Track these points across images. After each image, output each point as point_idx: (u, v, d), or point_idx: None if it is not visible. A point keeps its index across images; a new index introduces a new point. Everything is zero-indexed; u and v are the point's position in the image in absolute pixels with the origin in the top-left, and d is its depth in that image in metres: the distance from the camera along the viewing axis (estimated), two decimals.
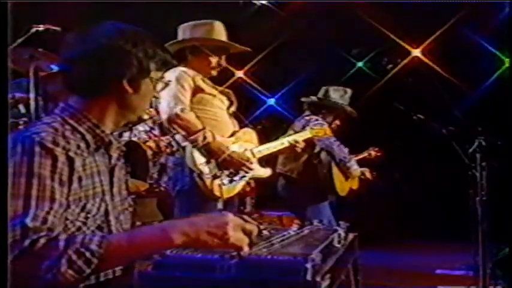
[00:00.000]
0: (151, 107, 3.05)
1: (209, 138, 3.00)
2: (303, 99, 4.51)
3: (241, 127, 3.35)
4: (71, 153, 1.51)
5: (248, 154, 3.21)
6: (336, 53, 6.84)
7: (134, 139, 3.96)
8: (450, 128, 3.82)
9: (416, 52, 6.93)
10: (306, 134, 3.63)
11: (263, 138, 3.44)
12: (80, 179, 1.52)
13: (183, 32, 3.25)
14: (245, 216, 1.50)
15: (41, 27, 3.83)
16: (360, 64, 7.16)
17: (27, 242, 1.34)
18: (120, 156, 1.72)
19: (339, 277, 1.61)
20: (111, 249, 1.38)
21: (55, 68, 4.08)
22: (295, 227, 1.86)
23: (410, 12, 6.10)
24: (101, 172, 1.61)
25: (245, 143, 3.26)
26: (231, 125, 3.26)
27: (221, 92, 3.28)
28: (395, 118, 4.86)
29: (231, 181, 3.10)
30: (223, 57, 3.26)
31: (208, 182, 3.00)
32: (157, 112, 3.17)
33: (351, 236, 1.91)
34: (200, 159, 3.01)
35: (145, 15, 5.43)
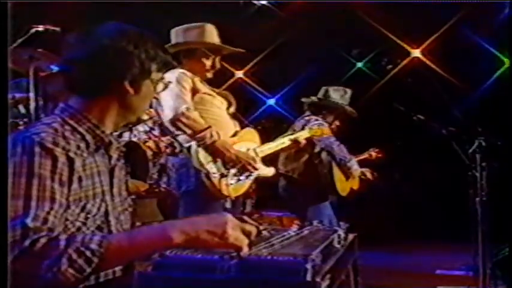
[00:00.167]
0: (150, 107, 3.06)
1: (215, 136, 3.01)
2: (303, 99, 4.51)
3: (242, 127, 3.35)
4: (71, 154, 1.51)
5: (252, 153, 3.23)
6: (335, 53, 6.85)
7: (134, 139, 3.96)
8: (450, 129, 3.81)
9: (416, 52, 6.93)
10: (304, 134, 3.65)
11: (263, 139, 3.45)
12: (80, 179, 1.52)
13: (176, 35, 3.25)
14: (245, 217, 1.50)
15: (41, 28, 3.83)
16: (359, 64, 7.17)
17: (27, 242, 1.34)
18: (120, 156, 1.72)
19: (339, 277, 1.61)
20: (112, 248, 1.38)
21: (55, 68, 4.08)
22: (295, 228, 1.86)
23: (410, 13, 6.11)
24: (101, 172, 1.61)
25: (247, 143, 3.27)
26: (232, 125, 3.27)
27: (219, 94, 3.29)
28: (395, 118, 4.87)
29: (238, 180, 3.12)
30: (218, 59, 3.25)
31: (216, 181, 3.00)
32: (157, 113, 3.17)
33: (350, 236, 1.91)
34: (207, 158, 3.01)
35: (145, 15, 5.43)
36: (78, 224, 1.52)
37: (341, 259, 1.66)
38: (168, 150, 3.81)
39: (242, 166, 3.10)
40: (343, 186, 4.49)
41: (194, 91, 3.12)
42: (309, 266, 1.31)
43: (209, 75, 3.25)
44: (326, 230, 1.94)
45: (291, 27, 6.61)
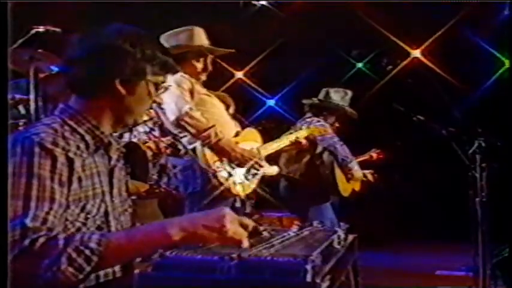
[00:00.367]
0: (151, 108, 3.06)
1: (220, 135, 3.03)
2: (304, 101, 4.52)
3: (242, 128, 3.36)
4: (71, 154, 1.51)
5: (256, 152, 3.25)
6: (335, 53, 6.85)
7: (134, 140, 3.96)
8: (450, 129, 3.81)
9: (416, 53, 6.93)
10: (303, 133, 3.71)
11: (264, 139, 3.46)
12: (79, 180, 1.53)
13: (166, 41, 3.26)
14: (243, 218, 1.50)
15: (41, 28, 3.83)
16: (359, 65, 7.17)
17: (27, 242, 1.35)
18: (120, 157, 1.72)
19: (339, 278, 1.61)
20: (111, 247, 1.38)
21: (55, 69, 4.08)
22: (295, 228, 1.85)
23: (410, 13, 6.11)
24: (101, 173, 1.61)
25: (250, 142, 3.29)
26: (233, 125, 3.28)
27: (216, 96, 3.30)
28: (395, 119, 4.87)
29: (245, 178, 3.13)
30: (210, 61, 3.25)
31: (223, 180, 3.01)
32: (157, 114, 3.17)
33: (350, 237, 1.91)
34: (213, 157, 3.02)
35: (145, 16, 5.43)
36: (78, 224, 1.52)
37: (341, 260, 1.66)
38: (168, 151, 3.80)
39: (247, 164, 3.12)
40: (345, 187, 4.49)
41: (194, 93, 3.13)
42: (309, 266, 1.31)
43: (203, 77, 3.25)
44: (326, 230, 1.94)
45: (291, 28, 6.61)
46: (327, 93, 4.47)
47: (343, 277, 1.71)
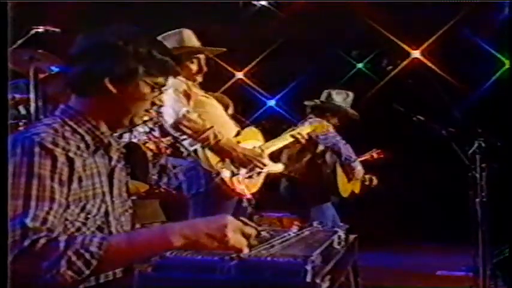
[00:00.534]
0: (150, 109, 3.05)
1: (219, 136, 3.01)
2: (306, 102, 4.52)
3: (242, 128, 3.36)
4: (71, 154, 1.51)
5: (258, 151, 3.23)
6: (335, 54, 6.85)
7: (134, 140, 3.96)
8: (450, 129, 3.81)
9: (416, 53, 6.93)
10: (306, 129, 3.69)
11: (265, 139, 3.45)
12: (80, 180, 1.52)
13: None
14: (244, 219, 1.50)
15: (41, 29, 3.84)
16: (359, 65, 7.17)
17: (27, 242, 1.34)
18: (121, 157, 1.72)
19: (339, 279, 1.61)
20: (111, 250, 1.38)
21: (55, 69, 4.08)
22: (295, 229, 1.85)
23: (410, 13, 6.11)
24: (101, 173, 1.61)
25: (252, 141, 3.27)
26: (233, 125, 3.28)
27: (215, 97, 3.30)
28: (395, 119, 4.86)
29: (250, 177, 3.13)
30: (204, 62, 3.24)
31: (228, 180, 3.01)
32: (158, 114, 3.17)
33: (351, 237, 1.91)
34: (215, 158, 3.02)
35: (145, 16, 5.43)
36: (78, 224, 1.52)
37: (341, 260, 1.66)
38: (168, 151, 3.81)
39: (250, 163, 3.11)
40: (345, 187, 4.49)
41: (191, 95, 3.11)
42: (308, 267, 1.31)
43: (199, 78, 3.24)
44: (326, 231, 1.94)
45: (291, 28, 6.61)
46: (329, 94, 4.48)
47: (343, 277, 1.71)
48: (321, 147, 4.29)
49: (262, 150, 3.27)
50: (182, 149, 3.19)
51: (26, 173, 1.43)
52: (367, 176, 4.74)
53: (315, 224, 2.01)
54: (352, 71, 7.20)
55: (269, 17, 6.57)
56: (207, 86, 3.33)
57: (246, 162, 3.10)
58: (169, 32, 3.23)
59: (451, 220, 5.65)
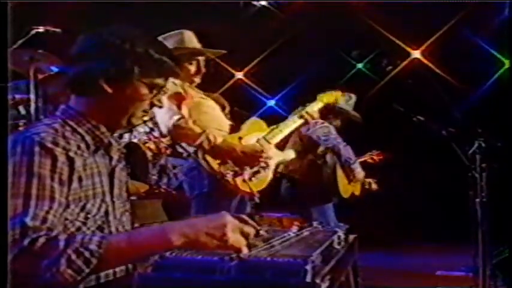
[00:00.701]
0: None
1: (214, 139, 2.97)
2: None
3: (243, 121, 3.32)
4: (71, 153, 1.51)
5: (262, 142, 3.18)
6: (335, 54, 6.85)
7: (134, 140, 3.96)
8: (450, 130, 3.81)
9: (416, 53, 6.94)
10: (317, 104, 3.51)
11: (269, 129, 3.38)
12: (80, 179, 1.53)
13: None
14: (244, 217, 1.50)
15: (41, 29, 3.84)
16: (359, 65, 7.17)
17: (26, 241, 1.35)
18: (121, 157, 1.72)
19: (339, 279, 1.61)
20: (111, 249, 1.38)
21: (55, 70, 4.08)
22: (295, 229, 1.85)
23: (410, 14, 6.11)
24: (101, 173, 1.61)
25: (256, 133, 3.22)
26: (231, 123, 3.25)
27: (211, 98, 3.26)
28: (395, 119, 4.86)
29: (255, 174, 3.07)
30: (202, 63, 3.21)
31: (231, 180, 2.98)
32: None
33: (350, 237, 1.91)
34: (216, 161, 2.99)
35: (145, 16, 5.44)
36: (78, 223, 1.52)
37: (341, 260, 1.66)
38: (168, 151, 3.80)
39: (252, 160, 3.05)
40: (346, 188, 4.50)
41: (187, 98, 3.08)
42: (308, 267, 1.31)
43: (197, 80, 3.21)
44: (326, 231, 1.94)
45: (291, 28, 6.61)
46: None
47: (343, 277, 1.71)
48: (321, 148, 4.30)
49: (268, 141, 3.20)
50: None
51: (26, 172, 1.43)
52: (367, 180, 4.76)
53: (314, 224, 2.01)
54: (352, 71, 7.20)
55: (269, 17, 6.57)
56: (207, 87, 3.33)
57: (248, 160, 3.04)
58: (171, 33, 3.21)
59: (451, 220, 5.66)
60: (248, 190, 3.01)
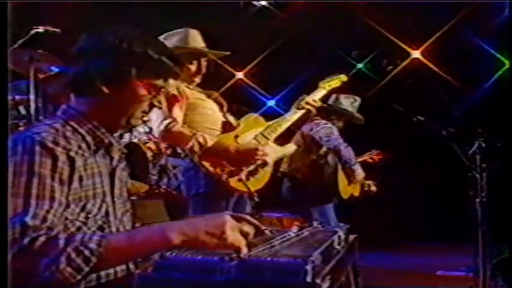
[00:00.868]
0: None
1: (205, 142, 2.93)
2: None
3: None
4: (72, 153, 1.51)
5: (260, 138, 3.14)
6: (335, 54, 6.85)
7: (134, 140, 3.96)
8: (450, 130, 3.81)
9: (416, 53, 6.93)
10: (320, 92, 3.39)
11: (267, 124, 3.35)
12: (80, 179, 1.53)
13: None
14: (246, 216, 1.50)
15: (41, 29, 3.84)
16: (359, 65, 7.16)
17: (26, 240, 1.35)
18: (122, 158, 1.72)
19: (339, 279, 1.60)
20: (110, 248, 1.38)
21: (55, 70, 4.08)
22: (295, 229, 1.85)
23: (410, 14, 6.11)
24: (102, 173, 1.61)
25: (253, 130, 3.17)
26: (228, 122, 3.22)
27: (209, 97, 3.22)
28: (395, 119, 4.86)
29: (251, 172, 3.01)
30: (204, 63, 3.20)
31: (226, 181, 2.95)
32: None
33: (351, 237, 1.91)
34: (209, 162, 2.97)
35: (145, 16, 5.43)
36: (78, 223, 1.52)
37: (341, 260, 1.65)
38: (168, 151, 3.80)
39: (247, 159, 2.99)
40: (345, 189, 4.51)
41: (181, 99, 3.05)
42: (309, 267, 1.30)
43: (197, 79, 3.18)
44: (326, 231, 1.93)
45: (291, 28, 6.61)
46: (337, 98, 4.52)
47: (343, 277, 1.71)
48: (323, 149, 4.32)
49: (266, 136, 3.15)
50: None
51: (27, 172, 1.43)
52: (366, 182, 4.77)
53: (315, 224, 2.01)
54: (352, 71, 7.19)
55: (269, 17, 6.57)
56: (207, 87, 3.32)
57: (243, 159, 2.98)
58: (175, 31, 3.19)
59: (451, 220, 5.65)
60: (245, 189, 2.97)
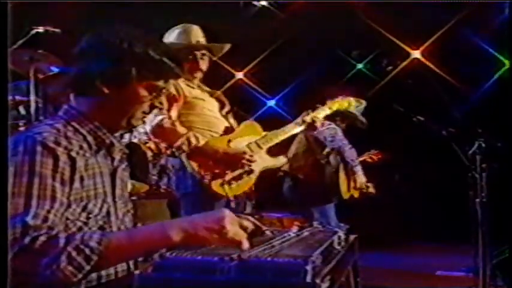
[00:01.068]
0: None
1: (195, 141, 2.93)
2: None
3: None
4: (73, 153, 1.51)
5: (253, 147, 3.14)
6: (335, 54, 6.85)
7: (134, 140, 3.96)
8: (450, 130, 3.81)
9: (416, 54, 6.93)
10: (325, 111, 3.43)
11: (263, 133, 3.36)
12: (81, 179, 1.53)
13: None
14: (248, 217, 1.50)
15: (41, 29, 3.84)
16: (359, 66, 7.17)
17: (27, 239, 1.35)
18: (123, 158, 1.72)
19: (339, 279, 1.60)
20: (111, 246, 1.38)
21: (55, 70, 4.08)
22: (295, 229, 1.85)
23: (410, 14, 6.11)
24: (103, 173, 1.62)
25: (248, 137, 3.18)
26: (227, 124, 3.21)
27: (211, 95, 3.22)
28: (395, 119, 4.87)
29: (236, 178, 3.02)
30: (205, 61, 3.19)
31: (208, 182, 2.95)
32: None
33: (351, 237, 1.91)
34: (196, 162, 2.96)
35: (145, 16, 5.43)
36: (79, 223, 1.53)
37: (341, 260, 1.65)
38: (168, 152, 3.80)
39: (234, 163, 3.00)
40: (346, 189, 4.51)
41: (180, 97, 3.05)
42: (309, 267, 1.30)
43: (198, 76, 3.19)
44: (326, 231, 1.93)
45: (291, 28, 6.61)
46: None
47: (343, 278, 1.71)
48: (327, 149, 4.32)
49: (259, 145, 3.16)
50: (164, 146, 3.15)
51: (28, 172, 1.44)
52: (365, 184, 4.77)
53: (315, 224, 2.01)
54: (352, 71, 7.20)
55: (269, 17, 6.57)
56: (208, 86, 3.31)
57: (229, 162, 2.99)
58: (177, 26, 3.19)
59: (451, 220, 5.66)
60: (224, 193, 2.96)
